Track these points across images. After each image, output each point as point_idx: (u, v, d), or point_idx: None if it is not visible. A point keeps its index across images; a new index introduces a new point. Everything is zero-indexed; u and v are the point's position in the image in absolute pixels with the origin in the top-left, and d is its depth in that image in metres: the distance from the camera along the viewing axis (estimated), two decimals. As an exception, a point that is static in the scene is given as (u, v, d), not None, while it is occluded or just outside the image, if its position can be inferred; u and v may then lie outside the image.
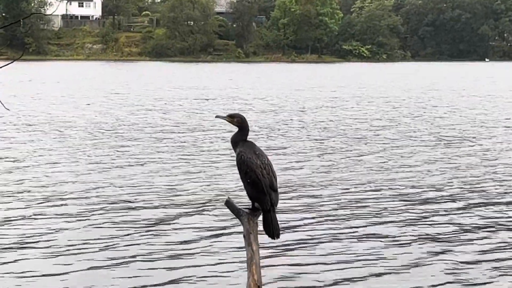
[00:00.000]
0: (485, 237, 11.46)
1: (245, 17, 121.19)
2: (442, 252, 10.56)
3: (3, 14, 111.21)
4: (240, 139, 5.52)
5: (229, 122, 5.54)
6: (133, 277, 9.31)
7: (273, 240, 5.50)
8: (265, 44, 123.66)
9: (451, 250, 10.64)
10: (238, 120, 5.50)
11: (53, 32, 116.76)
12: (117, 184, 15.45)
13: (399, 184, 15.94)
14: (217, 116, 5.70)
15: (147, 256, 10.17)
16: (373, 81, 62.71)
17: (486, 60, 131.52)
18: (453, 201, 14.27)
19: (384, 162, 19.09)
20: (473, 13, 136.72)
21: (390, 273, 9.62)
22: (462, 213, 13.15)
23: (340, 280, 9.29)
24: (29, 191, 14.59)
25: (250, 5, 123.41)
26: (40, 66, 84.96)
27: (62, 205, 13.39)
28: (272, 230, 5.40)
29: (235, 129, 5.55)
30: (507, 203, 14.09)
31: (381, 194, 14.79)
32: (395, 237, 11.40)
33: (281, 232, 5.50)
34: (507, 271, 9.75)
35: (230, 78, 64.24)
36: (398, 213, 13.05)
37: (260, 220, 5.45)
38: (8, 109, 7.79)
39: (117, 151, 20.59)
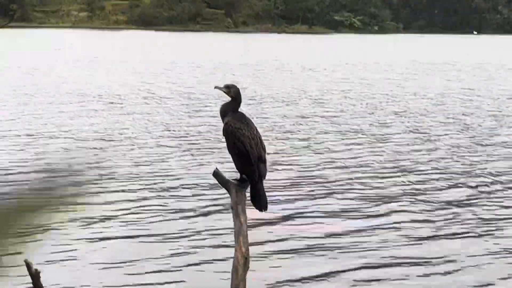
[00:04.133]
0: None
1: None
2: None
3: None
4: (230, 109, 5.48)
5: (226, 93, 5.55)
6: (120, 250, 9.22)
7: (261, 212, 5.45)
8: (255, 14, 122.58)
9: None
10: (234, 91, 5.48)
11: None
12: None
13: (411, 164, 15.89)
14: (216, 87, 5.62)
15: (131, 229, 10.06)
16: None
17: (474, 33, 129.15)
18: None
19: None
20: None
21: (385, 252, 9.59)
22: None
23: (330, 252, 9.24)
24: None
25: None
26: (32, 34, 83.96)
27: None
28: (260, 202, 5.37)
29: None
30: None
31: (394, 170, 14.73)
32: (396, 218, 11.33)
33: (269, 204, 5.45)
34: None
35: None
36: (404, 191, 13.00)
37: (248, 192, 5.40)
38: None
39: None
